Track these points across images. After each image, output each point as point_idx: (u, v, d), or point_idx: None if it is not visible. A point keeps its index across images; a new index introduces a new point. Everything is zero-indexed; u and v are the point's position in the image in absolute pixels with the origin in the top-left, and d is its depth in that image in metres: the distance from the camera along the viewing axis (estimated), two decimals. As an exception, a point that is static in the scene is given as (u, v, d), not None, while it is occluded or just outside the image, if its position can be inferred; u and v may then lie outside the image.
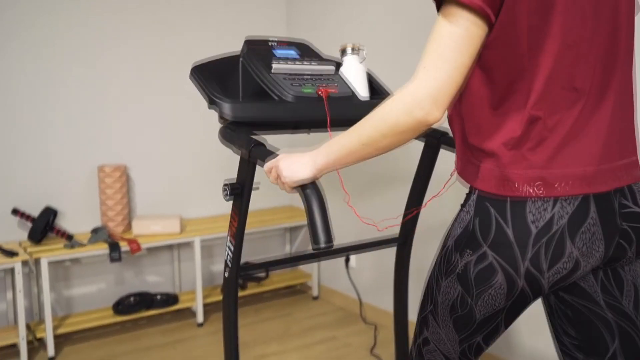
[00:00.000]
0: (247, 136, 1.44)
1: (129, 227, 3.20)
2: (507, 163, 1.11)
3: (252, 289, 3.51)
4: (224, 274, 1.55)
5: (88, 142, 3.17)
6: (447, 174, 1.59)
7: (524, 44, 1.07)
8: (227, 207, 3.57)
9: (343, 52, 1.81)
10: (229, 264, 1.54)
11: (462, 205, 1.22)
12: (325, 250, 1.21)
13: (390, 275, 3.20)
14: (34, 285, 3.05)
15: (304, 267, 3.84)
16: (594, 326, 1.26)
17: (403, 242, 1.90)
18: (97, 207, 3.20)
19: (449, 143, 1.73)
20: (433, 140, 1.74)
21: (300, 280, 3.71)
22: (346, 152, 1.19)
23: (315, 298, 3.69)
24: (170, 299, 3.26)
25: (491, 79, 1.12)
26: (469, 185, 1.21)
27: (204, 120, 3.48)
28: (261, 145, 1.40)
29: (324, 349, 2.98)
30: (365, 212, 3.25)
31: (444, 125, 1.31)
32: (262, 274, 3.69)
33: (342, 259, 3.49)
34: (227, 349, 1.62)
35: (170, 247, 3.47)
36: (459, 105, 1.19)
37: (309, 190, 1.24)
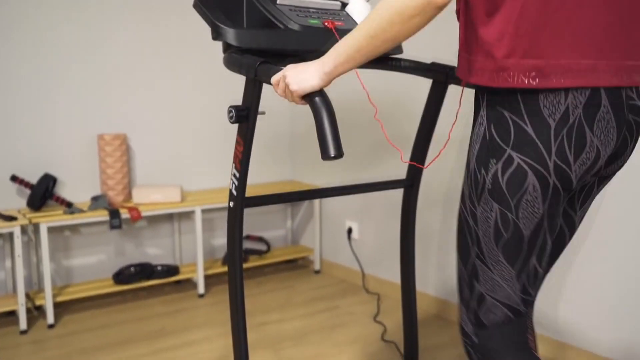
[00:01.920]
0: (252, 56, 1.41)
1: (129, 196, 3.17)
2: (501, 54, 1.09)
3: (253, 262, 3.47)
4: (229, 204, 1.51)
5: (88, 110, 3.14)
6: (452, 116, 1.57)
7: None
8: (228, 180, 3.54)
9: (348, -10, 1.79)
10: (234, 193, 1.50)
11: (474, 122, 1.20)
12: (335, 158, 1.18)
13: (392, 245, 3.17)
14: (33, 254, 3.01)
15: (306, 242, 3.80)
16: None
17: (410, 184, 1.87)
18: (96, 176, 3.17)
19: (457, 79, 1.70)
20: (441, 77, 1.71)
21: (301, 254, 3.68)
22: (355, 48, 1.17)
23: (317, 272, 3.65)
24: (171, 269, 3.22)
25: None
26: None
27: (206, 90, 3.46)
28: (267, 62, 1.37)
29: (326, 317, 2.94)
30: (372, 154, 3.22)
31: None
32: (264, 248, 3.65)
33: (344, 231, 3.47)
34: (231, 289, 1.59)
35: (170, 218, 3.44)
36: None
37: (318, 100, 1.22)
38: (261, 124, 3.68)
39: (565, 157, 1.10)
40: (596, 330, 2.30)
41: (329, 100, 1.22)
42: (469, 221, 1.17)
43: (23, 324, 2.75)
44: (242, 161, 1.46)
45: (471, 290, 1.19)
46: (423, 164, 1.84)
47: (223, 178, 3.57)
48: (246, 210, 3.69)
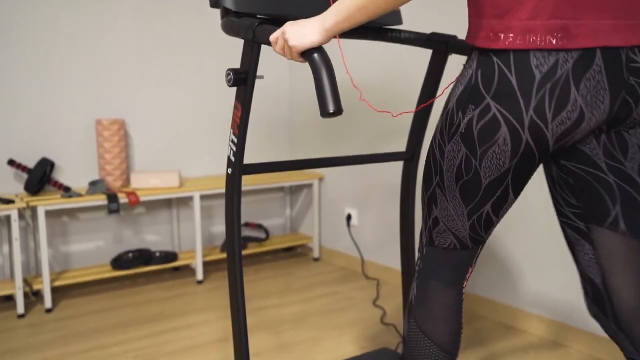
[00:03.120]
0: (250, 18, 1.40)
1: (127, 181, 3.15)
2: (525, 15, 1.08)
3: (252, 249, 3.46)
4: (227, 171, 1.50)
5: (86, 95, 3.12)
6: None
7: None
8: (226, 167, 3.53)
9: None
10: (232, 159, 1.49)
11: (465, 64, 1.19)
12: (334, 115, 1.16)
13: (391, 231, 3.16)
14: (30, 240, 2.99)
15: (305, 230, 3.79)
16: (595, 191, 1.23)
17: (410, 157, 1.85)
18: (94, 161, 3.16)
19: (457, 48, 1.69)
20: (441, 46, 1.70)
21: (300, 242, 3.66)
22: (357, 6, 1.14)
23: (316, 259, 3.64)
24: (170, 255, 3.21)
25: None
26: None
27: (205, 76, 3.45)
28: (265, 24, 1.35)
29: (325, 301, 2.93)
30: (373, 143, 3.21)
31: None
32: (263, 235, 3.64)
33: (343, 219, 3.45)
34: (230, 263, 1.57)
35: (169, 205, 3.42)
36: None
37: (317, 56, 1.20)
38: (260, 112, 3.67)
39: (542, 113, 1.09)
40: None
41: (327, 57, 1.20)
42: (437, 153, 1.23)
43: (20, 308, 2.74)
44: (240, 126, 1.44)
45: (430, 212, 1.28)
46: (423, 137, 1.83)
47: (221, 165, 3.55)
48: (245, 198, 3.68)
